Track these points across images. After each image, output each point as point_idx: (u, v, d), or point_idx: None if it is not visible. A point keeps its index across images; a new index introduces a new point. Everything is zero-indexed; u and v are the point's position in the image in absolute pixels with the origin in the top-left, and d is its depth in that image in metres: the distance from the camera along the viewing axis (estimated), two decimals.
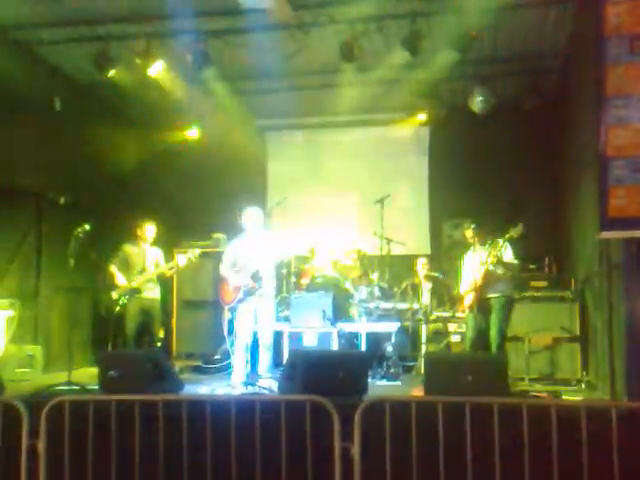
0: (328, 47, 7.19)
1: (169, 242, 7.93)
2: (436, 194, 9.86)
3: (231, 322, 6.79)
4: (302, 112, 9.73)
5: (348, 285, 7.86)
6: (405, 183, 9.96)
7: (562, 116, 8.43)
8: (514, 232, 6.06)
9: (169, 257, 7.38)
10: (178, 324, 8.53)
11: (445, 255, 9.32)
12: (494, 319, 6.23)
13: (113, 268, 7.08)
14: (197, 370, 7.59)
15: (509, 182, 9.25)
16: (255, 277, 6.17)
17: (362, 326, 7.39)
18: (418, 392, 5.27)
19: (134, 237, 7.27)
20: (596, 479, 3.33)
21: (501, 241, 6.16)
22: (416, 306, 7.58)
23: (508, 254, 6.27)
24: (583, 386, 6.54)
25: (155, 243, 7.36)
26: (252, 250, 6.28)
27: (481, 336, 6.27)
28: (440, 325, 7.61)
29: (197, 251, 7.11)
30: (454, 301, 7.27)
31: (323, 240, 8.52)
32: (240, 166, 9.79)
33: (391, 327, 7.34)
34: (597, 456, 3.33)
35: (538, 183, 9.23)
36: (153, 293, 7.22)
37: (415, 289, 7.80)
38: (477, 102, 8.07)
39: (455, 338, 7.47)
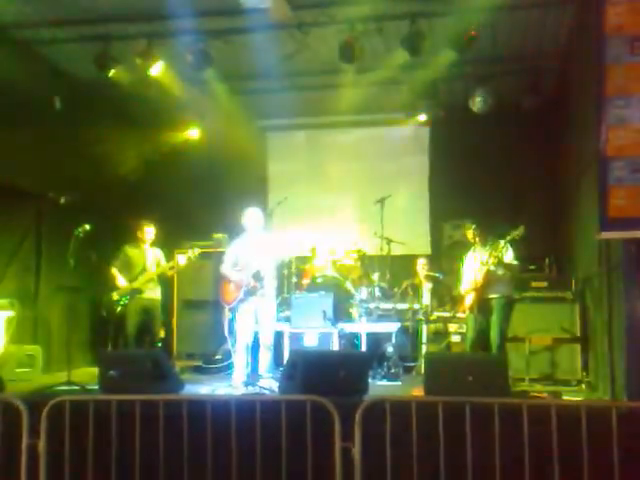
0: (328, 47, 7.19)
1: (170, 242, 7.93)
2: (436, 194, 9.87)
3: (232, 322, 6.80)
4: (302, 112, 9.73)
5: (348, 285, 7.87)
6: (405, 183, 9.97)
7: (562, 116, 8.42)
8: (515, 234, 6.06)
9: (170, 257, 7.40)
10: (179, 324, 8.52)
11: (445, 255, 9.29)
12: (494, 319, 6.25)
13: (114, 270, 7.13)
14: (198, 370, 7.61)
15: (509, 182, 9.27)
16: (257, 277, 6.17)
17: (362, 326, 7.40)
18: (418, 392, 5.26)
19: (134, 239, 7.31)
20: (596, 479, 3.33)
21: (502, 242, 6.17)
22: (416, 306, 7.60)
23: (509, 255, 6.28)
24: (583, 386, 6.55)
25: (155, 243, 7.39)
26: (253, 250, 6.29)
27: (481, 336, 6.28)
28: (440, 325, 7.61)
29: (196, 250, 7.14)
30: (454, 301, 7.27)
31: (323, 240, 8.52)
32: (241, 166, 9.79)
33: (391, 327, 7.35)
34: (597, 456, 3.33)
35: (538, 183, 9.24)
36: (154, 293, 7.25)
37: (415, 289, 7.81)
38: (477, 102, 8.06)
39: (455, 338, 7.47)
